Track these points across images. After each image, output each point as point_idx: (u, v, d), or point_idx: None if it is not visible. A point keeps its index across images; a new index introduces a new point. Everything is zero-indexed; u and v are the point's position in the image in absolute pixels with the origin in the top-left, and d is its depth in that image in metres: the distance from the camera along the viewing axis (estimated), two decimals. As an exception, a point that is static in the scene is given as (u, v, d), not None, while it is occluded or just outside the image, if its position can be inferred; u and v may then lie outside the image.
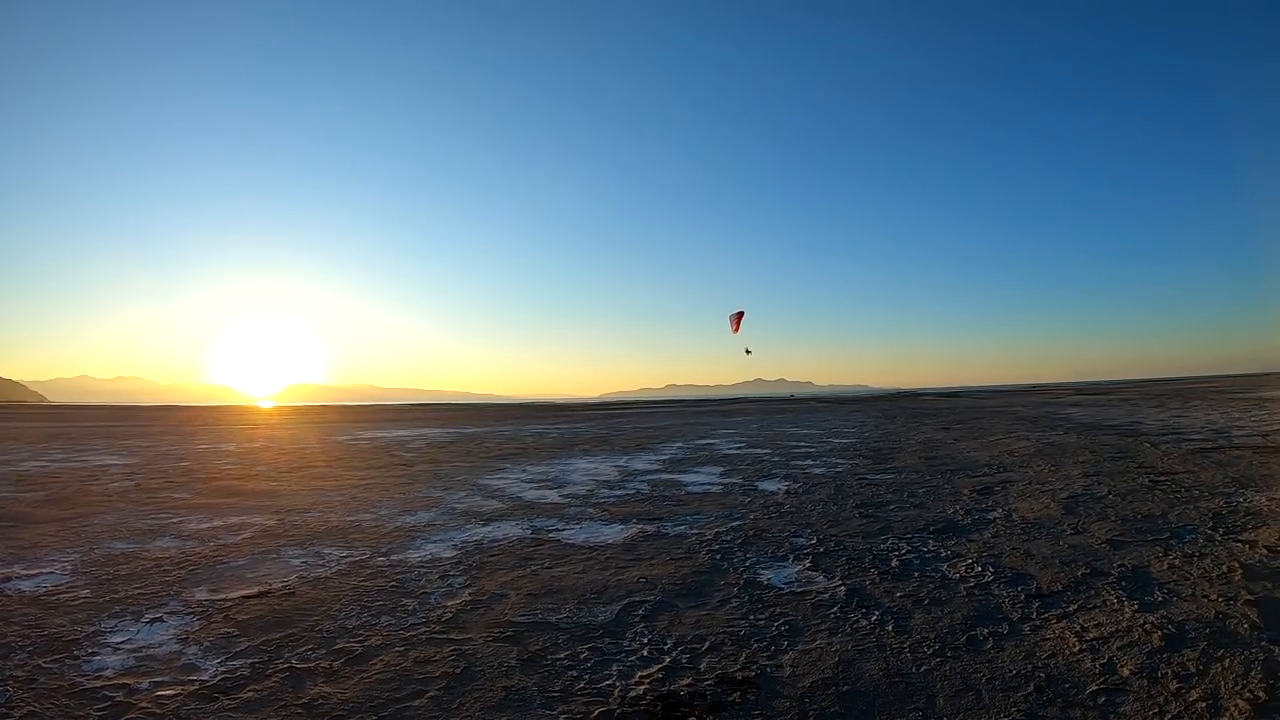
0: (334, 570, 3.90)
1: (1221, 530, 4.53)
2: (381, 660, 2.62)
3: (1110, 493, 6.17)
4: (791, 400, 69.18)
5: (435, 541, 4.67)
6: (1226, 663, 2.50)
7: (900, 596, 3.41)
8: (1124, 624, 3.02)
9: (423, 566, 4.00)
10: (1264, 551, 3.95)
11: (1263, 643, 2.62)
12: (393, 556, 4.23)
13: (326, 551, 4.37)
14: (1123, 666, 2.58)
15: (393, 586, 3.59)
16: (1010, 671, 2.63)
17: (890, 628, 2.98)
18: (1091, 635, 2.88)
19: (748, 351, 20.24)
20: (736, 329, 17.83)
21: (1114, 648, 2.78)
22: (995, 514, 5.43)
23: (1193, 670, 2.48)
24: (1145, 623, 3.01)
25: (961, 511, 5.55)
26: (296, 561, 4.10)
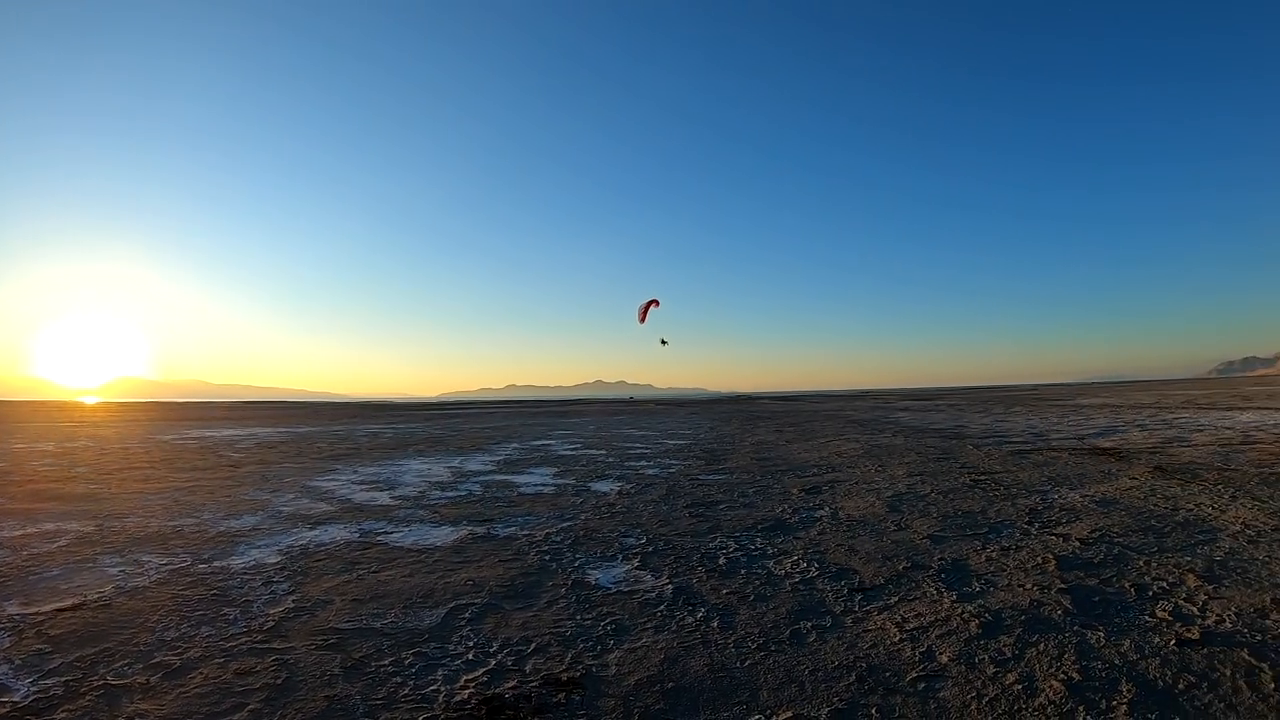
0: (153, 579, 6.04)
1: (1037, 525, 7.85)
2: (201, 673, 4.05)
3: (933, 491, 10.22)
4: (630, 402, 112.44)
5: (260, 546, 7.29)
6: (1041, 647, 4.38)
7: (726, 593, 5.54)
8: (943, 614, 4.98)
9: (246, 573, 6.24)
10: (1076, 544, 6.88)
11: (1075, 627, 4.71)
12: (215, 563, 6.61)
13: (146, 559, 6.76)
14: (941, 654, 4.29)
15: (214, 595, 5.56)
16: (833, 662, 4.19)
17: (716, 624, 4.87)
18: (912, 625, 4.84)
19: (663, 342, 32.48)
20: (643, 319, 28.26)
21: (933, 636, 4.58)
22: (822, 512, 8.96)
23: (1009, 655, 4.28)
24: (963, 612, 4.99)
25: (790, 510, 9.13)
26: (114, 570, 6.32)
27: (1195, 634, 4.54)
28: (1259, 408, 29.53)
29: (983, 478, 11.54)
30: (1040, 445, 16.99)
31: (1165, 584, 5.61)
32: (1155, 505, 8.65)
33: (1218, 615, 4.87)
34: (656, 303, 28.31)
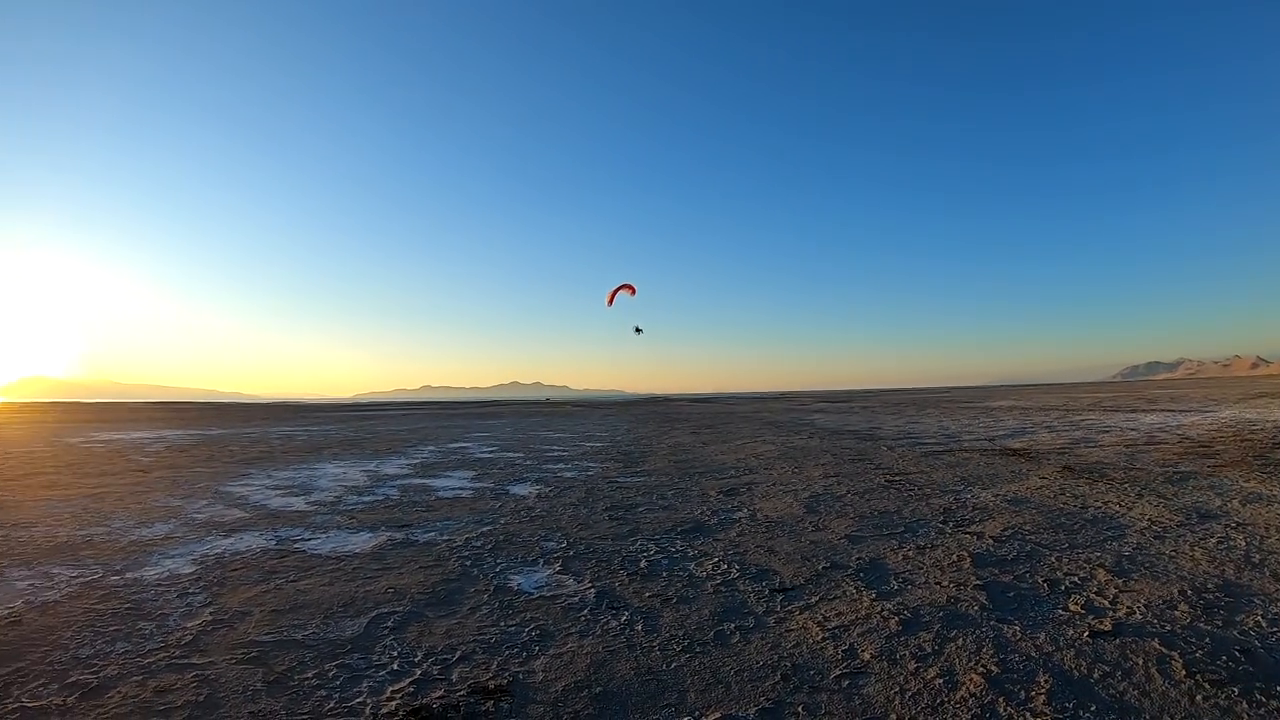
0: (64, 593, 5.95)
1: (952, 524, 8.12)
2: (119, 692, 4.00)
3: (849, 492, 10.49)
4: (547, 403, 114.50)
5: (174, 556, 7.22)
6: (960, 642, 4.53)
7: (649, 596, 5.70)
8: (863, 612, 5.10)
9: (160, 585, 6.17)
10: (990, 541, 7.15)
11: (992, 622, 4.90)
12: (128, 575, 6.50)
13: (55, 571, 6.66)
14: (864, 651, 4.38)
15: (128, 609, 5.49)
16: (758, 662, 4.24)
17: (640, 627, 4.99)
18: (833, 624, 4.95)
19: (638, 330, 31.53)
20: (610, 302, 27.93)
21: (855, 634, 4.68)
22: (741, 514, 9.23)
23: (929, 650, 4.40)
24: (883, 610, 5.11)
25: (709, 512, 9.39)
26: (22, 584, 6.23)
27: (1108, 625, 4.74)
28: (1162, 410, 31.22)
29: (897, 478, 11.91)
30: (953, 446, 17.66)
31: (1077, 579, 5.84)
32: (1065, 503, 9.03)
33: (1128, 607, 5.09)
34: (632, 289, 27.97)
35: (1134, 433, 19.66)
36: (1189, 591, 5.40)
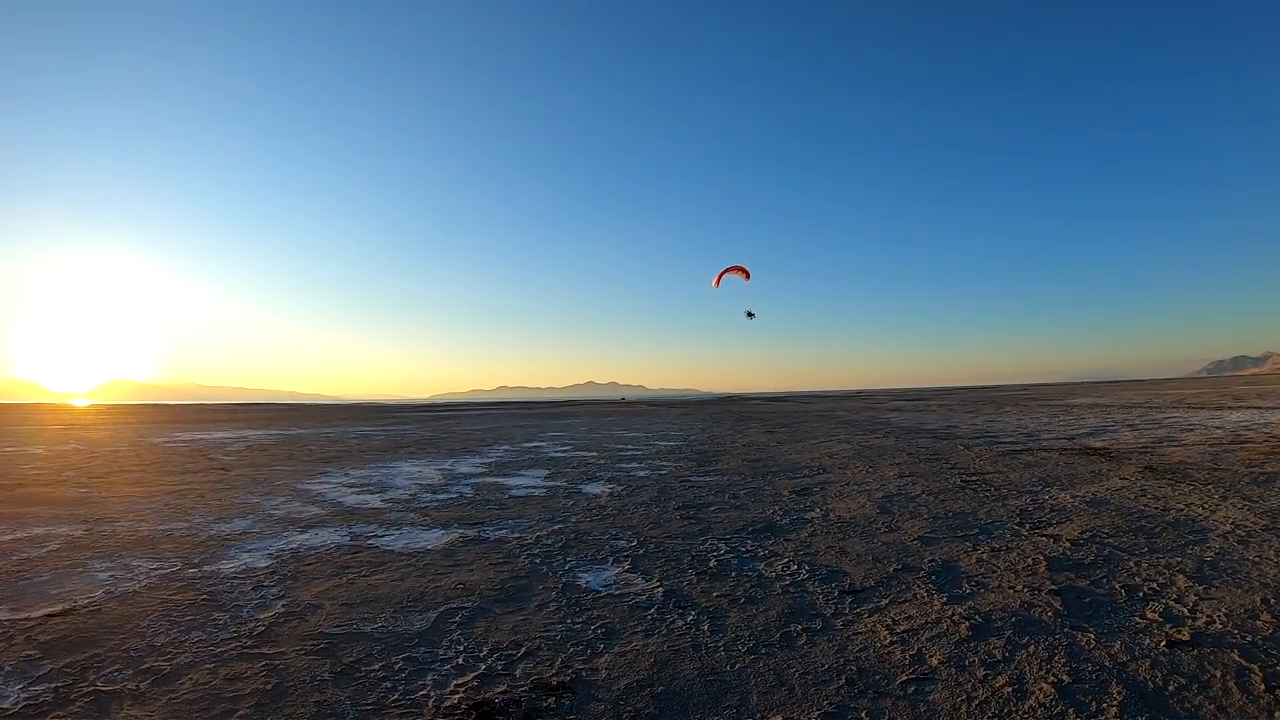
0: (143, 584, 6.19)
1: (1028, 526, 7.94)
2: (190, 679, 4.15)
3: (923, 492, 10.34)
4: (622, 403, 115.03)
5: (250, 550, 7.48)
6: (1031, 649, 4.44)
7: (717, 596, 5.67)
8: (933, 616, 5.04)
9: (236, 577, 6.38)
10: (1067, 545, 6.98)
11: (1066, 629, 4.78)
12: (205, 568, 6.74)
13: (135, 564, 6.93)
14: (931, 656, 4.32)
15: (204, 600, 5.71)
16: (823, 665, 4.24)
17: (706, 627, 4.97)
18: (902, 628, 4.90)
19: (749, 315, 30.00)
20: (717, 283, 26.85)
21: (923, 639, 4.62)
22: (813, 514, 9.12)
23: (999, 658, 4.32)
24: (953, 614, 5.05)
25: (780, 512, 9.30)
26: (103, 575, 6.50)
27: (1185, 635, 4.59)
28: (1249, 407, 29.83)
29: (973, 479, 11.68)
30: (1031, 445, 17.19)
31: (1155, 585, 5.67)
32: (1145, 506, 8.75)
33: (1208, 616, 4.92)
34: (745, 273, 26.77)
35: (1219, 431, 18.86)
36: (1272, 600, 5.19)
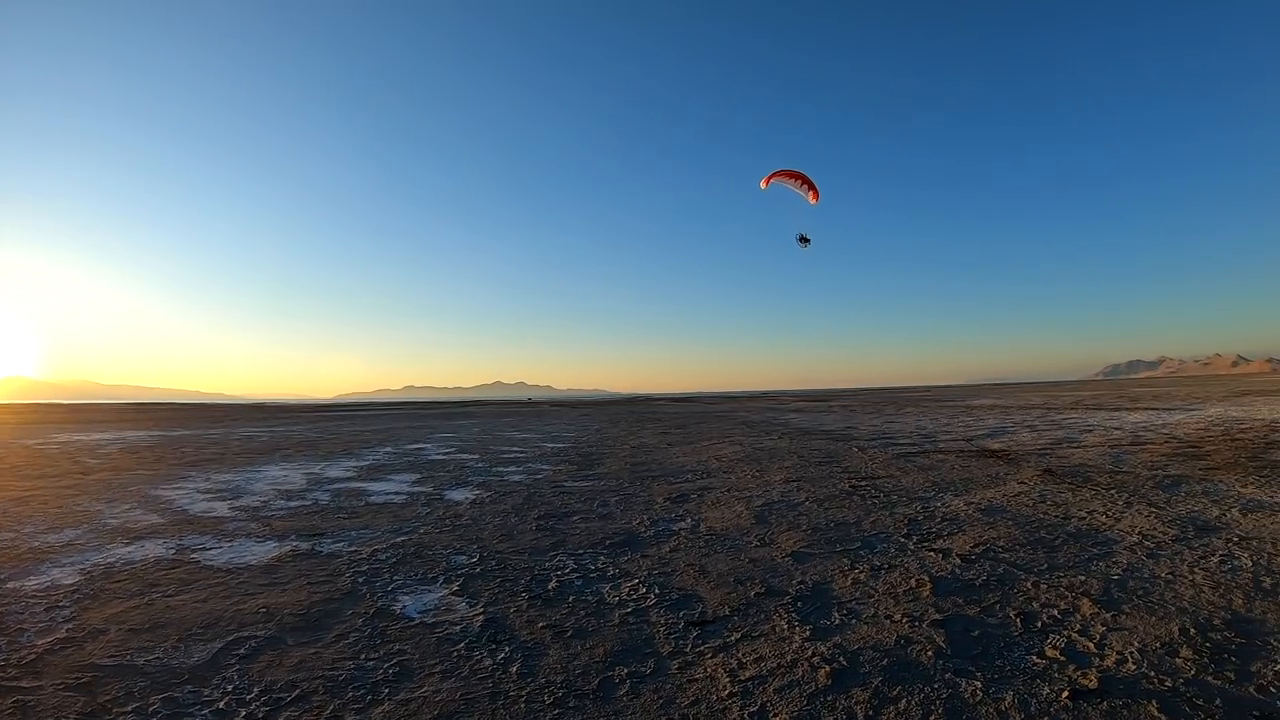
0: None
1: (915, 539, 7.27)
2: None
3: (808, 499, 9.69)
4: (528, 403, 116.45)
5: (63, 565, 7.14)
6: (902, 704, 3.65)
7: (543, 627, 5.04)
8: (789, 657, 4.23)
9: (34, 596, 6.07)
10: (957, 562, 6.32)
11: (947, 674, 3.98)
12: (9, 584, 6.46)
13: None
14: (776, 715, 3.52)
15: None
16: None
17: (515, 669, 4.31)
18: (748, 673, 4.07)
19: (804, 240, 25.92)
20: (765, 185, 24.13)
21: (770, 689, 3.80)
22: (683, 524, 8.53)
23: (859, 717, 3.55)
24: (814, 654, 4.24)
25: (648, 522, 8.71)
26: None
27: (1093, 681, 3.84)
28: (1146, 408, 30.90)
29: (863, 483, 11.14)
30: (928, 447, 16.98)
31: (1056, 612, 4.98)
32: (1045, 513, 8.23)
33: (1119, 653, 4.21)
34: (811, 188, 23.43)
35: (1119, 432, 19.12)
36: (1191, 630, 4.53)
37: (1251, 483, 9.81)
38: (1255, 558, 6.14)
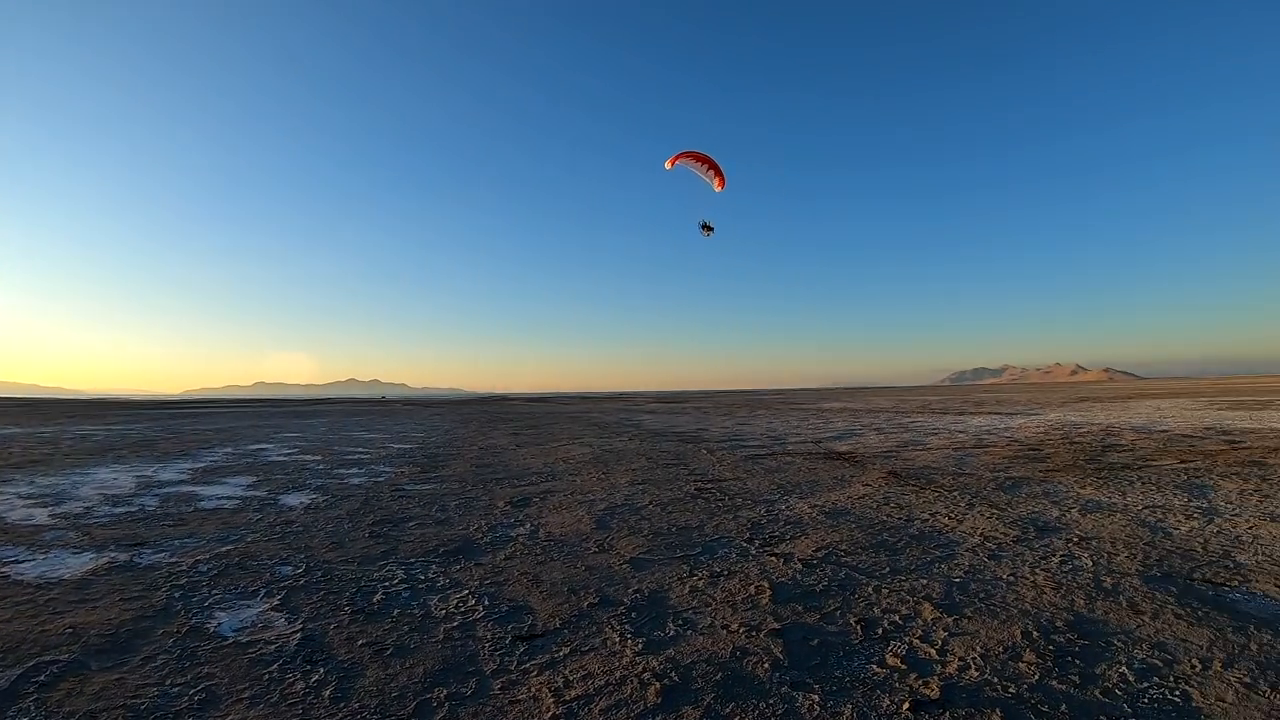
0: None
1: (758, 542, 7.20)
2: None
3: (652, 503, 9.52)
4: (381, 402, 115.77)
5: None
6: None
7: (363, 645, 4.72)
8: (619, 673, 3.99)
9: None
10: (799, 566, 6.27)
11: (784, 687, 3.85)
12: None
13: None
14: None
15: None
16: None
17: (328, 693, 4.00)
18: (574, 692, 3.82)
19: (707, 228, 24.69)
20: (670, 165, 22.63)
21: (596, 710, 3.57)
22: (521, 530, 8.27)
23: None
24: (646, 669, 4.02)
25: (486, 528, 8.40)
26: None
27: (934, 690, 3.74)
28: (990, 413, 32.64)
29: (709, 486, 11.10)
30: (776, 449, 17.24)
31: (898, 617, 4.91)
32: (889, 516, 8.32)
33: (961, 659, 4.15)
34: (717, 174, 22.50)
35: (962, 435, 19.98)
36: (1034, 633, 4.53)
37: (1090, 484, 10.28)
38: (1095, 559, 6.30)
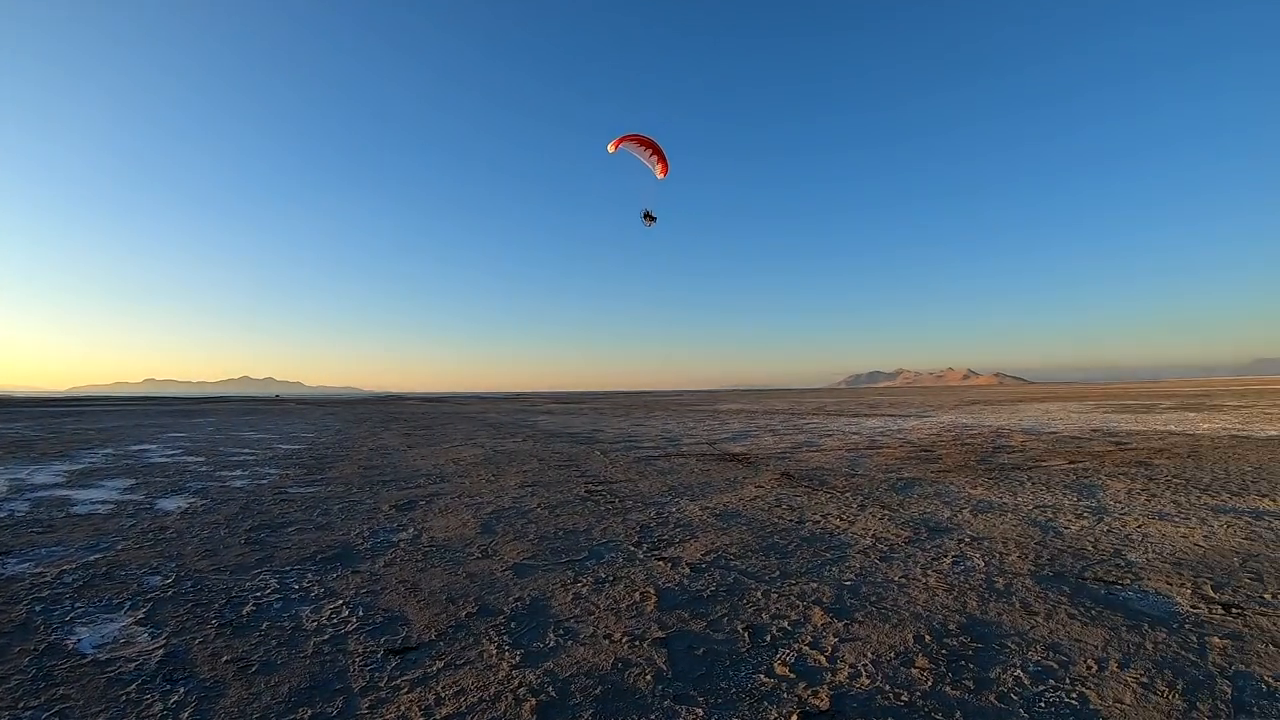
0: None
1: (646, 546, 7.12)
2: None
3: (540, 506, 9.37)
4: (274, 401, 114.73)
5: None
6: None
7: (227, 661, 4.52)
8: (494, 688, 3.84)
9: None
10: (686, 571, 6.18)
11: (667, 701, 3.74)
12: None
13: None
14: None
15: None
16: None
17: (188, 714, 3.82)
18: (446, 710, 3.67)
19: (649, 217, 23.89)
20: (614, 148, 21.88)
21: None
22: (404, 535, 8.10)
23: None
24: (521, 684, 3.88)
25: (367, 533, 8.21)
26: None
27: (824, 700, 3.68)
28: (883, 415, 33.62)
29: (599, 489, 11.02)
30: (670, 450, 17.35)
31: (787, 623, 4.85)
32: (780, 518, 8.33)
33: (851, 666, 4.10)
34: (660, 159, 21.97)
35: (857, 436, 20.42)
36: (926, 636, 4.53)
37: (981, 484, 10.55)
38: (987, 559, 6.40)
